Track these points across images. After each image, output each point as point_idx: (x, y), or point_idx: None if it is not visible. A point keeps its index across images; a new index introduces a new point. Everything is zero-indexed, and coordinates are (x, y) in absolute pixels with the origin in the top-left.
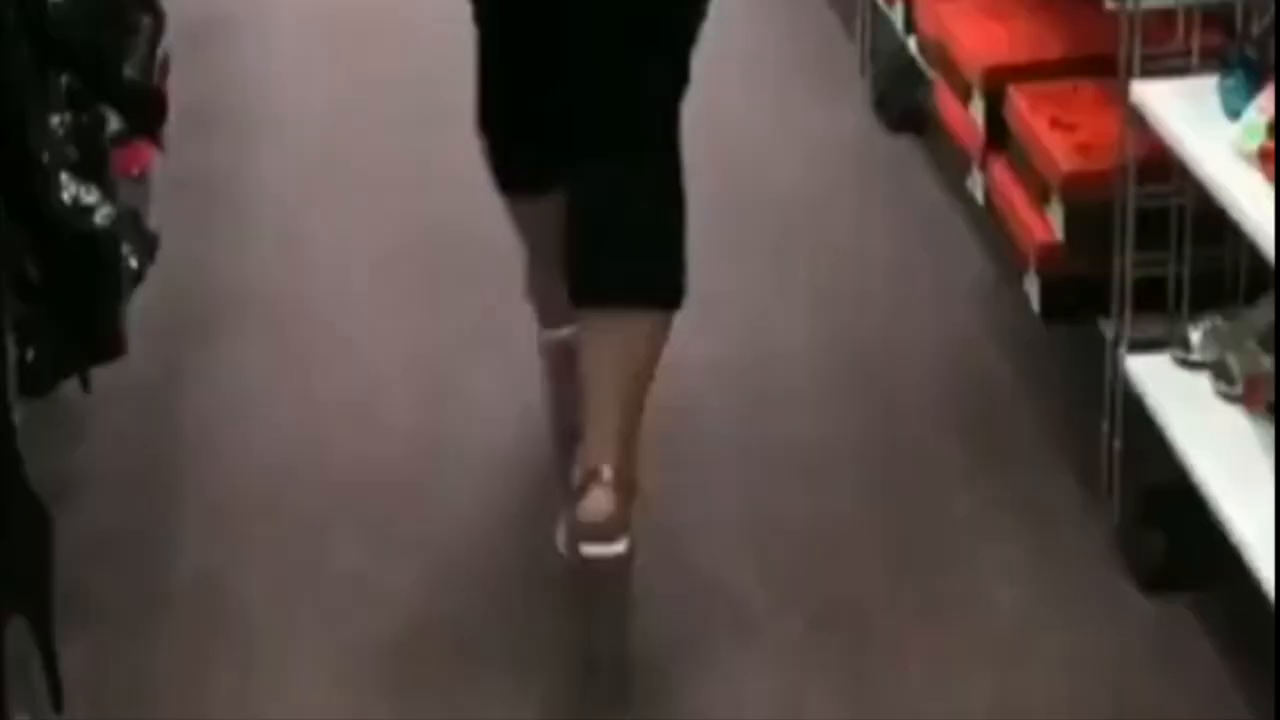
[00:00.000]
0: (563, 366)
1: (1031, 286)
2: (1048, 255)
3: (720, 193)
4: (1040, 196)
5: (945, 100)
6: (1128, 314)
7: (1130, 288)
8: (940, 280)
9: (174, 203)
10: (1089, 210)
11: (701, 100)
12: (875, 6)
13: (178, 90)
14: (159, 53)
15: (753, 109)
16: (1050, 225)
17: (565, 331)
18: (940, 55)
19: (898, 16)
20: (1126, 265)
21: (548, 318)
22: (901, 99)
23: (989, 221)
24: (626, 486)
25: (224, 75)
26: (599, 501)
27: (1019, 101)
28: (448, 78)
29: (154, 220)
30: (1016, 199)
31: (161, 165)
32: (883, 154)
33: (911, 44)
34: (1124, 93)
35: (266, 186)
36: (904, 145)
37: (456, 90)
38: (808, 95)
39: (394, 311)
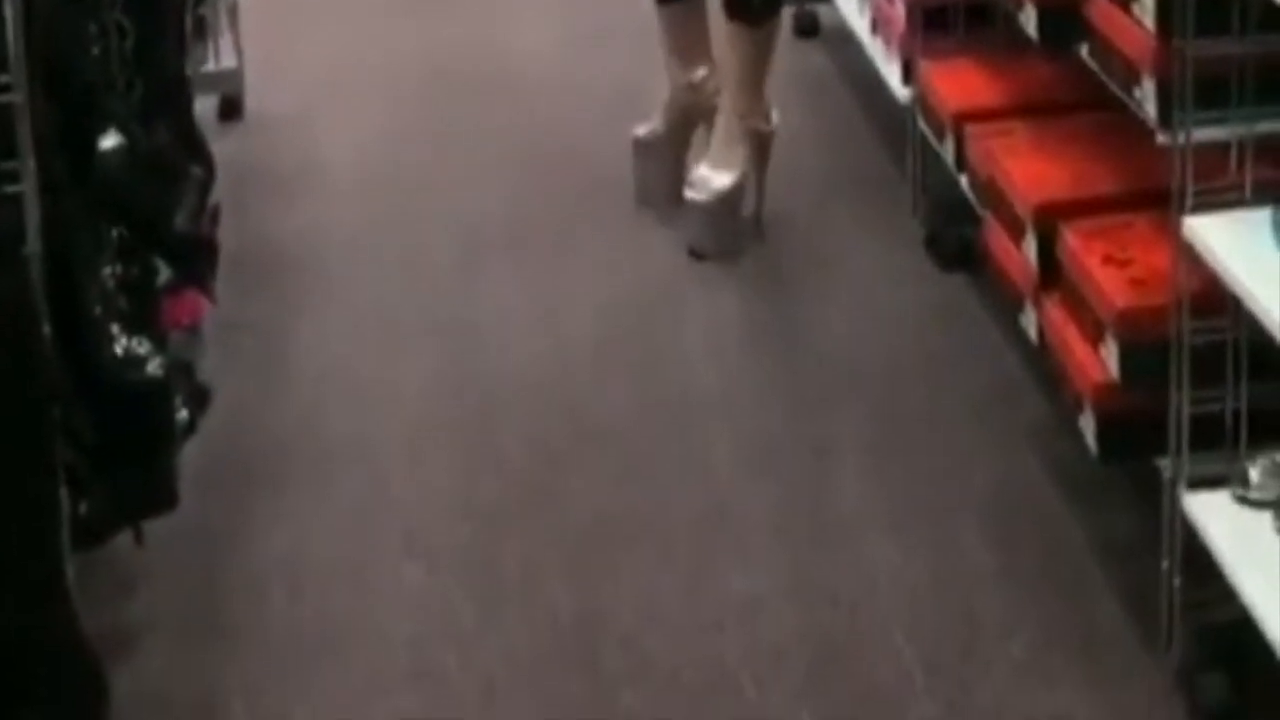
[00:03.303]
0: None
1: (1088, 425)
2: (1103, 394)
3: (771, 336)
4: (1095, 334)
5: (997, 238)
6: (1185, 451)
7: (1187, 425)
8: (998, 420)
9: (226, 352)
10: (1144, 347)
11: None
12: (926, 144)
13: (228, 239)
14: (209, 202)
15: (803, 249)
16: (1105, 363)
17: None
18: (992, 193)
19: (948, 154)
20: (1183, 402)
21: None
22: (953, 237)
23: (1044, 360)
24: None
25: (274, 224)
26: None
27: (1071, 238)
28: (491, 222)
29: (205, 370)
30: (1071, 337)
31: (213, 315)
32: (935, 293)
33: (963, 181)
34: (1177, 227)
35: (317, 336)
36: (956, 284)
37: (501, 231)
38: (859, 233)
39: (443, 463)
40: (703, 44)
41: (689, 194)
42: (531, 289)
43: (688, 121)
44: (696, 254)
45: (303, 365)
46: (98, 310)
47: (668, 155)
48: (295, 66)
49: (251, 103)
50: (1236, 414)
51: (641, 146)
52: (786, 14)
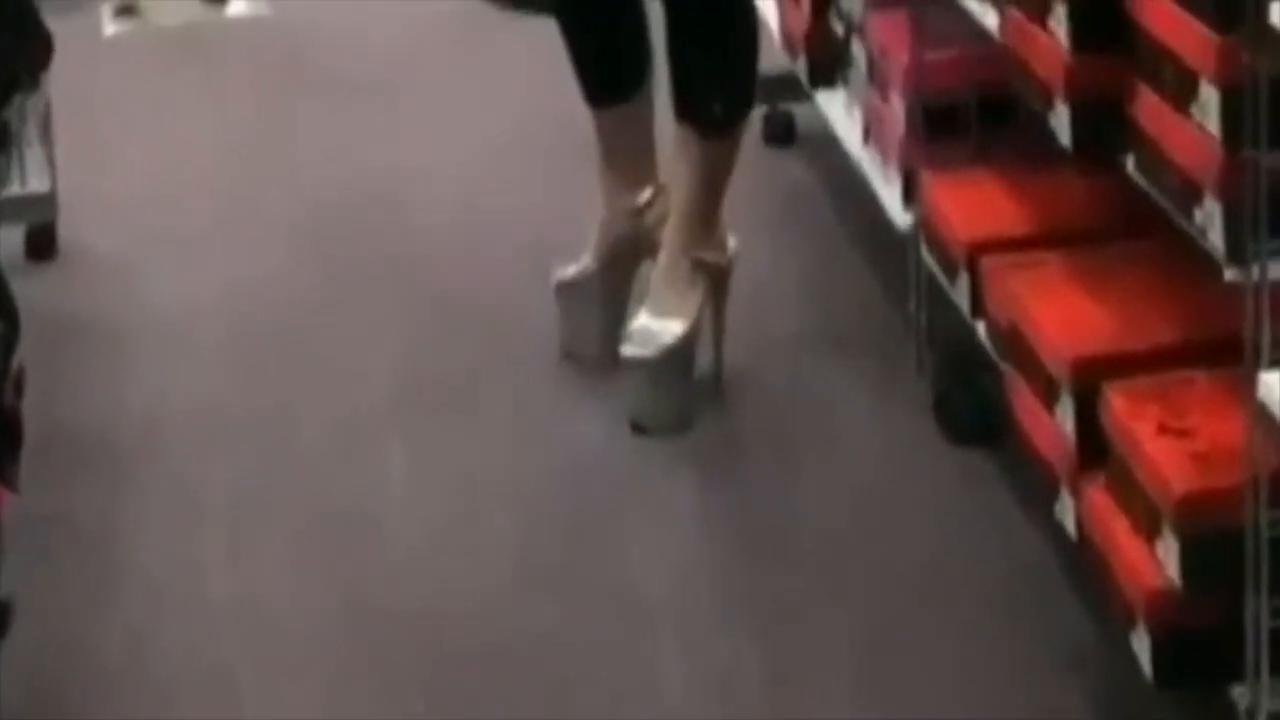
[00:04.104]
0: None
1: (1141, 644)
2: (1160, 603)
3: (732, 530)
4: (1149, 526)
5: (1024, 402)
6: (1265, 676)
7: (1267, 642)
8: (1026, 639)
9: (32, 555)
10: (1212, 542)
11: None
12: (932, 281)
13: (34, 411)
14: (10, 364)
15: (774, 417)
16: (1162, 564)
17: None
18: (1016, 344)
19: (961, 294)
20: (1262, 613)
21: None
22: (968, 401)
23: (1085, 560)
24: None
25: (96, 392)
26: None
27: (1118, 403)
28: (377, 387)
29: (5, 579)
30: (1119, 530)
31: (15, 507)
32: (945, 473)
33: (979, 329)
34: (1250, 386)
35: (151, 534)
36: (972, 462)
37: (391, 398)
38: (847, 396)
39: (316, 701)
40: (648, 159)
41: (627, 350)
42: (429, 472)
43: (627, 257)
44: (638, 425)
45: (133, 572)
46: None
47: (601, 301)
48: (125, 189)
49: (67, 236)
50: None
51: (568, 290)
52: (756, 116)
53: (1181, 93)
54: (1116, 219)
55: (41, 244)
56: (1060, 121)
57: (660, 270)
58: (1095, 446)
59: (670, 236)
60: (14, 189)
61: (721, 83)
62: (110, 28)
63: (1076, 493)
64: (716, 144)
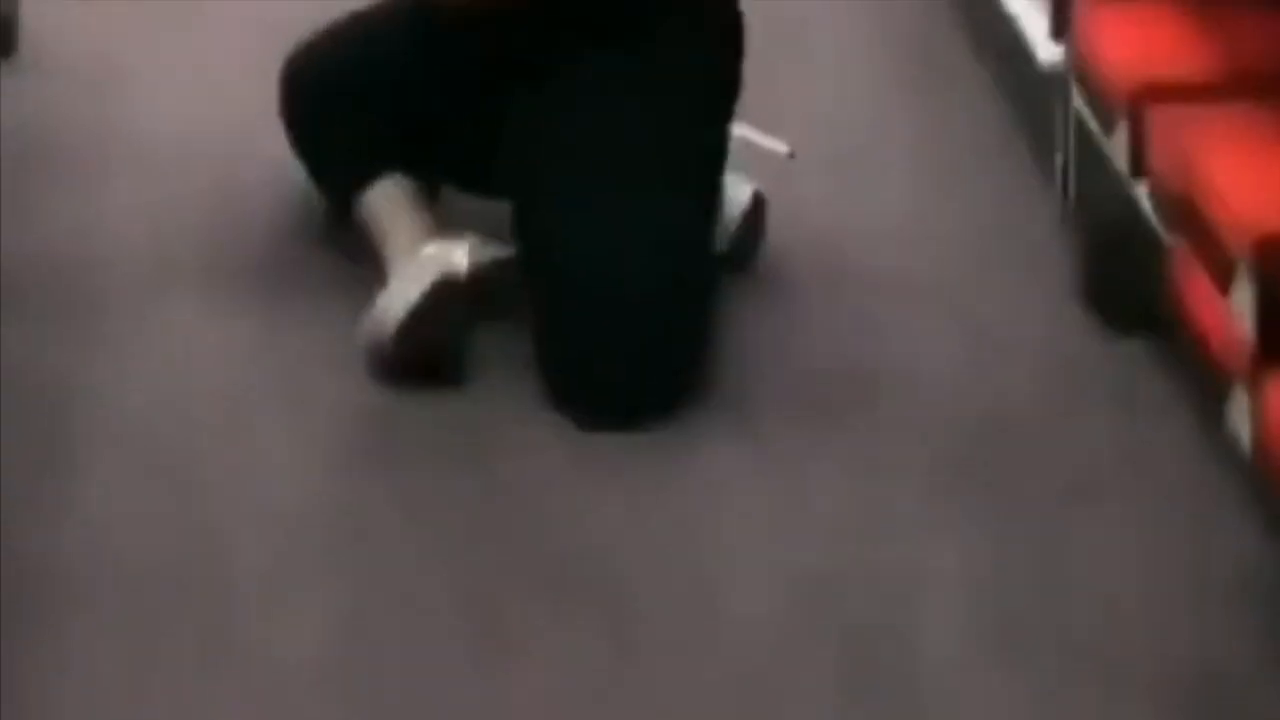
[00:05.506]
0: None
1: None
2: None
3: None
4: None
5: (1194, 283)
6: None
7: None
8: (1188, 562)
9: None
10: None
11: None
12: (1085, 132)
13: None
14: None
15: (900, 291)
16: None
17: None
18: (1187, 212)
19: (1120, 150)
20: None
21: None
22: (1124, 280)
23: (1264, 475)
24: None
25: (57, 226)
26: None
27: None
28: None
29: None
30: None
31: None
32: (1096, 368)
33: (1142, 193)
34: None
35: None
36: (1129, 354)
37: None
38: (984, 272)
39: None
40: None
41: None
42: None
43: None
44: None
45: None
46: None
47: None
48: None
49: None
50: None
51: None
52: None
53: None
54: None
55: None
56: None
57: None
58: (1279, 338)
59: None
60: None
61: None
62: None
63: (1254, 392)
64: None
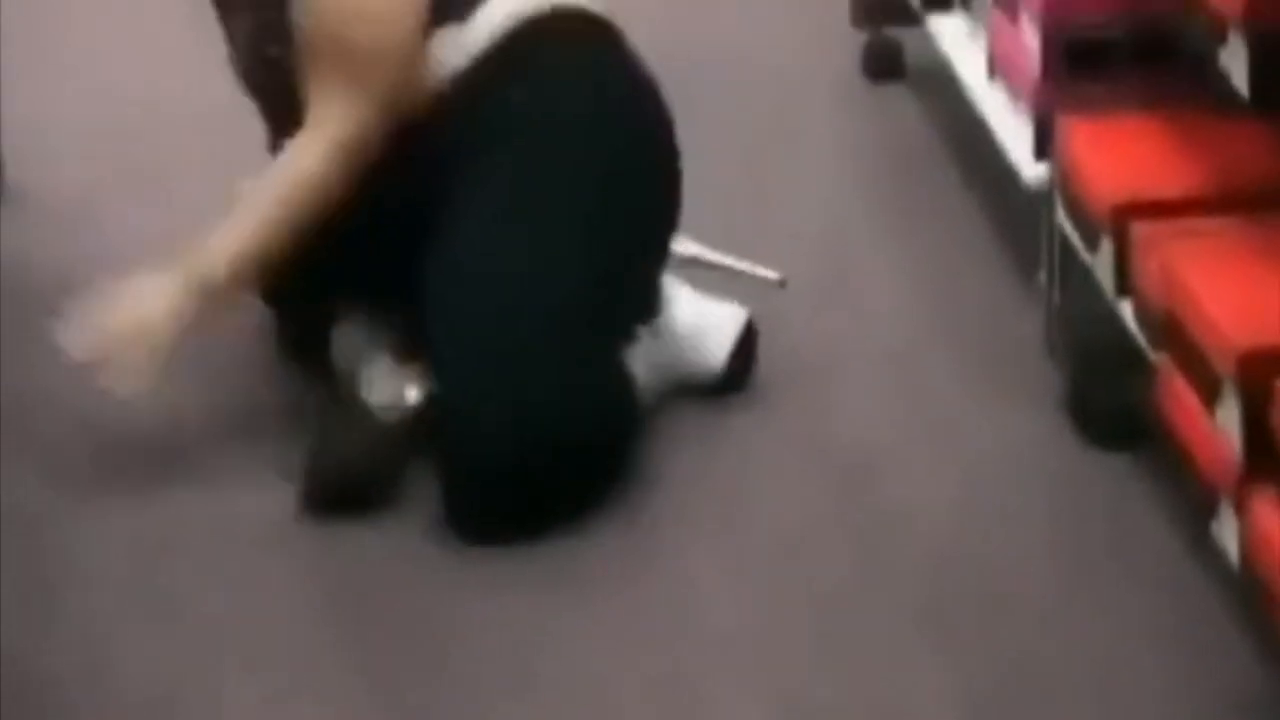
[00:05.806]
0: None
1: None
2: None
3: (854, 542)
4: None
5: (1179, 400)
6: None
7: None
8: (1180, 685)
9: None
10: None
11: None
12: (1068, 250)
13: None
14: None
15: (887, 404)
16: None
17: None
18: (1172, 330)
19: (1104, 267)
20: None
21: None
22: (1108, 396)
23: (1251, 592)
24: None
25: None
26: None
27: None
28: None
29: None
30: None
31: None
32: (1084, 484)
33: (1126, 310)
34: None
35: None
36: (1115, 470)
37: None
38: (967, 384)
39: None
40: None
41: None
42: None
43: None
44: None
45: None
46: None
47: None
48: (81, 119)
49: (14, 175)
50: None
51: None
52: (855, 44)
53: None
54: None
55: None
56: (1235, 61)
57: None
58: (1265, 455)
59: None
60: None
61: None
62: None
63: (1240, 509)
64: None
